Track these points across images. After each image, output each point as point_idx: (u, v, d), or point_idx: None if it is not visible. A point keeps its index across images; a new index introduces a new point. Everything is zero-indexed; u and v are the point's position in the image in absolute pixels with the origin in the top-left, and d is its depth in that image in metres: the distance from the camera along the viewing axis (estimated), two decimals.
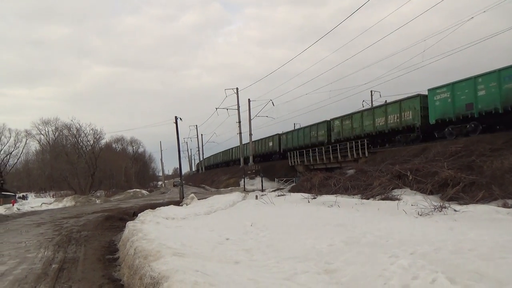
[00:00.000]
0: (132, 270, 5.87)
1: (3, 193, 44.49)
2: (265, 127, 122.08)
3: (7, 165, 61.53)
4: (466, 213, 9.48)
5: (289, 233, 8.50)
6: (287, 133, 39.44)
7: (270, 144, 42.55)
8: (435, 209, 10.06)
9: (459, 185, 13.00)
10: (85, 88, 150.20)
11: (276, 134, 41.68)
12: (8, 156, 60.35)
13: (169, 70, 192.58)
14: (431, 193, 13.57)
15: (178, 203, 22.86)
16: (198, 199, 22.15)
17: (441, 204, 10.41)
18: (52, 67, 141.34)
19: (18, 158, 63.64)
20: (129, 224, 10.42)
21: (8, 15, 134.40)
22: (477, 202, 11.37)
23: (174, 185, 34.25)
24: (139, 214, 14.54)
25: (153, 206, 18.91)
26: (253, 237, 8.51)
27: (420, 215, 9.86)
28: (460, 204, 11.25)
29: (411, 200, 12.41)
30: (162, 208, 16.81)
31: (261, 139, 45.78)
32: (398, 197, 13.83)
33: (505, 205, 10.37)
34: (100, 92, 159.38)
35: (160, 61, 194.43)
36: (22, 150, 63.11)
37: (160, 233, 8.52)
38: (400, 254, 5.66)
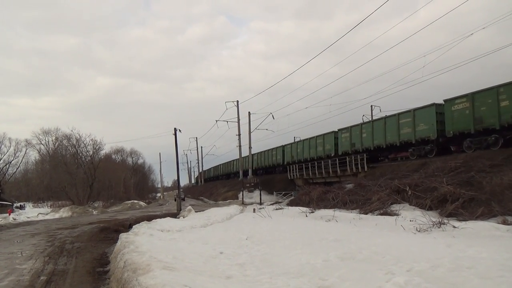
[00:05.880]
0: (120, 284, 5.71)
1: (0, 202, 44.21)
2: (265, 140, 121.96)
3: (6, 174, 61.33)
4: (465, 230, 9.31)
5: (284, 247, 8.33)
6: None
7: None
8: (433, 225, 9.89)
9: (458, 201, 12.83)
10: (88, 98, 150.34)
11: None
12: (7, 165, 60.16)
13: (173, 82, 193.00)
14: (430, 208, 13.40)
15: (175, 215, 22.66)
16: (196, 212, 21.95)
17: (440, 220, 10.24)
18: (57, 77, 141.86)
19: (18, 168, 63.51)
20: (122, 236, 10.25)
21: (16, 25, 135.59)
22: (476, 218, 11.18)
23: (175, 199, 33.12)
24: (133, 226, 14.36)
25: (149, 218, 18.70)
26: (248, 251, 8.34)
27: (419, 231, 9.69)
28: (459, 220, 11.07)
29: (409, 216, 12.24)
30: (158, 220, 16.62)
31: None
32: (397, 212, 13.66)
33: (504, 222, 10.18)
34: (103, 103, 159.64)
35: (164, 73, 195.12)
36: (22, 160, 63.04)
37: (152, 246, 8.34)
38: (396, 271, 5.50)
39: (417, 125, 20.96)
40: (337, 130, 29.67)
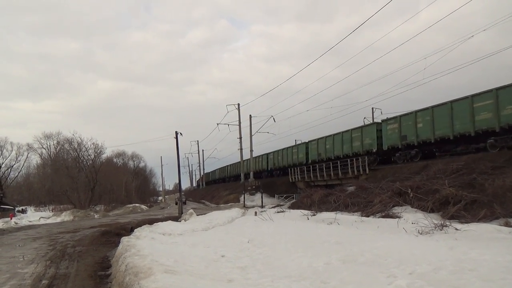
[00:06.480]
0: (122, 287, 5.70)
1: (2, 206, 44.23)
2: (266, 143, 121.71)
3: (8, 179, 61.45)
4: (468, 232, 9.27)
5: (286, 250, 8.32)
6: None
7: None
8: (435, 227, 9.85)
9: (461, 203, 12.77)
10: (90, 102, 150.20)
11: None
12: (9, 170, 60.32)
13: (174, 85, 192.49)
14: (432, 211, 13.34)
15: (176, 218, 22.65)
16: (197, 215, 21.92)
17: (442, 222, 10.21)
18: (58, 81, 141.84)
19: (19, 172, 63.65)
20: (124, 240, 10.25)
21: (17, 29, 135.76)
22: (478, 220, 11.13)
23: (176, 203, 32.14)
24: (135, 230, 14.35)
25: (151, 222, 18.70)
26: (249, 255, 8.33)
27: (421, 234, 9.66)
28: (462, 222, 11.03)
29: (411, 218, 12.20)
30: (159, 223, 16.61)
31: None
32: (399, 214, 13.60)
33: (507, 224, 10.14)
34: (104, 106, 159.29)
35: (165, 76, 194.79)
36: (24, 164, 63.20)
37: (154, 249, 8.34)
38: (398, 273, 5.49)
39: (503, 109, 16.84)
40: (380, 121, 26.03)
